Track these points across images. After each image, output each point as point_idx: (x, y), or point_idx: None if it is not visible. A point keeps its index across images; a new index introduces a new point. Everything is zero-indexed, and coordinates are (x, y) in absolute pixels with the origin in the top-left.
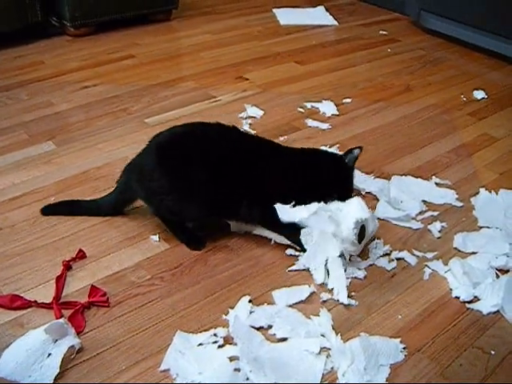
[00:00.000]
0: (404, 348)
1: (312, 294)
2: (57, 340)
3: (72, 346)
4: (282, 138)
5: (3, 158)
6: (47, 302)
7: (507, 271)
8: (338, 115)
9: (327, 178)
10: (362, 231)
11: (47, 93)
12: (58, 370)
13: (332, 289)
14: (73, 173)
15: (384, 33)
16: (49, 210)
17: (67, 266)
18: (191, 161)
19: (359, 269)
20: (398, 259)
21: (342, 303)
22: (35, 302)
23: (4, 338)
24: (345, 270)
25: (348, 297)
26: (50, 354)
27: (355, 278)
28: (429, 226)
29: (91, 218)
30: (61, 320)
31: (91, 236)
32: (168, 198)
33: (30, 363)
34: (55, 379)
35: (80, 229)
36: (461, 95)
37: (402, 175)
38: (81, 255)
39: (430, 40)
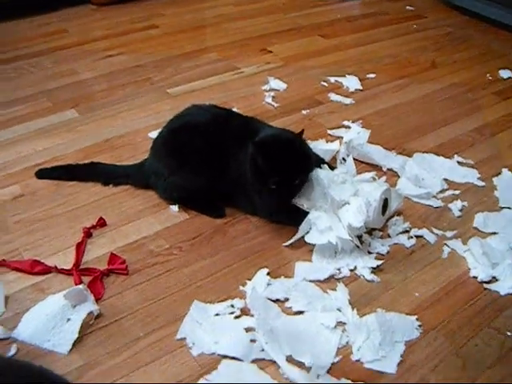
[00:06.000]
0: (420, 325)
1: (332, 274)
2: (76, 306)
3: (91, 312)
4: (304, 112)
5: (27, 125)
6: (67, 268)
7: None
8: (361, 90)
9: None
10: (385, 204)
11: (71, 61)
12: (76, 335)
13: (355, 267)
14: (95, 141)
15: (410, 8)
16: (43, 174)
17: (87, 234)
18: (193, 142)
19: (382, 245)
20: (417, 237)
21: (359, 278)
22: (55, 267)
23: (24, 303)
24: (357, 246)
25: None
26: (68, 319)
27: (378, 253)
28: (449, 205)
29: (112, 187)
30: (80, 286)
31: (112, 204)
32: (175, 176)
33: (50, 328)
34: (74, 344)
35: (100, 197)
36: (486, 74)
37: (424, 153)
38: (101, 223)
39: (457, 17)
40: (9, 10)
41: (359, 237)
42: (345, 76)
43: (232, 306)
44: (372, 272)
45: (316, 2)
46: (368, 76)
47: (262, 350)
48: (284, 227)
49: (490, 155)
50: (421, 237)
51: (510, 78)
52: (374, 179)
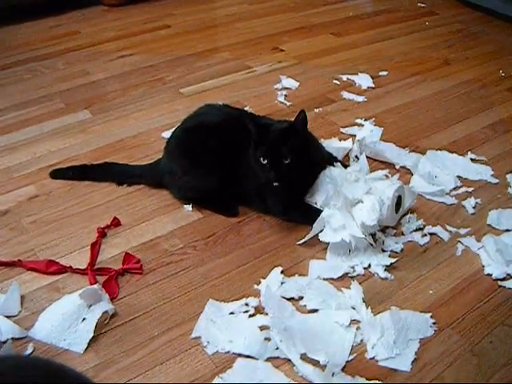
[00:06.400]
0: (434, 323)
1: (346, 272)
2: (91, 305)
3: (106, 312)
4: (316, 110)
5: (40, 126)
6: (82, 267)
7: None
8: (373, 88)
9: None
10: (398, 201)
11: (83, 62)
12: (92, 334)
13: (369, 265)
14: (108, 141)
15: (422, 5)
16: (58, 175)
17: (102, 233)
18: (206, 142)
19: (396, 243)
20: (431, 234)
21: (373, 276)
22: (70, 267)
23: (40, 302)
24: (371, 244)
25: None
26: (84, 319)
27: (391, 251)
28: (463, 202)
29: (126, 187)
30: (95, 286)
31: (126, 204)
32: (188, 176)
33: (65, 327)
34: (89, 343)
35: (115, 197)
36: (499, 70)
37: (437, 150)
38: (115, 223)
39: (469, 13)
40: (20, 13)
41: (373, 235)
42: (357, 74)
43: (246, 304)
44: (386, 270)
45: (327, 0)
46: (380, 74)
47: (277, 349)
48: (297, 226)
49: (504, 152)
50: (434, 234)
51: None
52: (387, 177)
